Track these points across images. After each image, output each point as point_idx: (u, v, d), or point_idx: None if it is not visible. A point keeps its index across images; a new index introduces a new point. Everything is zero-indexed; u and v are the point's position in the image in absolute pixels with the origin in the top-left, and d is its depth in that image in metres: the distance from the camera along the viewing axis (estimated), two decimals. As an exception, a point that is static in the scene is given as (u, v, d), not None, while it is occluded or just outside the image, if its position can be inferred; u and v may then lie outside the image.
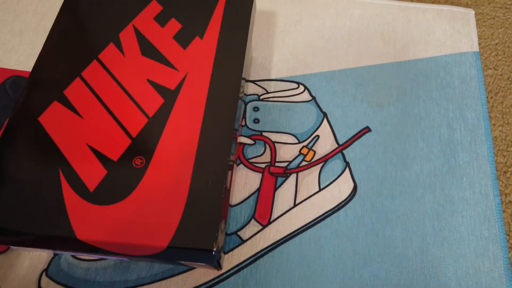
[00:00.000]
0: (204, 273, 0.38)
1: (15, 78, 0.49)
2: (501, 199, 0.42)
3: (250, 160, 0.44)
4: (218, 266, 0.37)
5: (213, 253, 0.30)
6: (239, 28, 0.40)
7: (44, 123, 0.34)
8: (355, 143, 0.45)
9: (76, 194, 0.31)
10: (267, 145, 0.45)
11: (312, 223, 0.41)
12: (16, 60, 0.50)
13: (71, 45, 0.38)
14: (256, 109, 0.47)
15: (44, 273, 0.38)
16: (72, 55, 0.37)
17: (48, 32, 0.52)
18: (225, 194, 0.32)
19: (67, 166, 0.32)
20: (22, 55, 0.51)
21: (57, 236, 0.30)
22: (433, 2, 0.57)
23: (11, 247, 0.38)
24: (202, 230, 0.30)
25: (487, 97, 0.49)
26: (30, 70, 0.50)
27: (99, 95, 0.35)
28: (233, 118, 0.35)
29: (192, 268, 0.38)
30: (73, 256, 0.39)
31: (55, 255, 0.39)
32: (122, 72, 0.37)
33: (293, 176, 0.43)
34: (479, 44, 0.53)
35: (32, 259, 0.38)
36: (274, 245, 0.40)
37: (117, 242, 0.30)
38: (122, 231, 0.30)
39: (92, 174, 0.32)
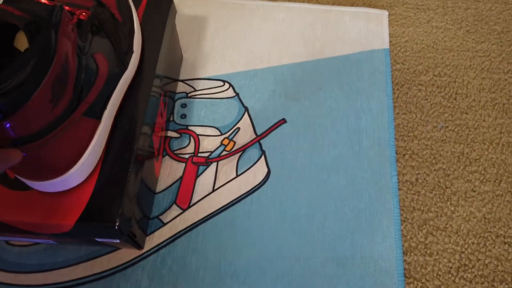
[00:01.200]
0: (126, 254, 0.42)
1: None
2: (398, 179, 0.47)
3: (176, 152, 0.48)
4: (138, 245, 0.41)
5: (116, 227, 0.34)
6: (156, 29, 0.44)
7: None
8: (272, 133, 0.50)
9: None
10: (191, 138, 0.50)
11: (228, 205, 0.45)
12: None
13: None
14: (184, 105, 0.52)
15: (-22, 259, 0.41)
16: None
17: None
18: (131, 181, 0.36)
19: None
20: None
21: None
22: (351, 5, 0.62)
23: None
24: (107, 209, 0.34)
25: (393, 89, 0.54)
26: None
27: None
28: (143, 112, 0.39)
29: (116, 249, 0.42)
30: (6, 242, 0.42)
31: (-11, 242, 0.42)
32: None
33: (214, 164, 0.48)
34: (390, 41, 0.58)
35: (-32, 247, 0.42)
36: (192, 226, 0.44)
37: (29, 221, 0.34)
38: (34, 212, 0.34)
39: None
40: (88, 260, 0.42)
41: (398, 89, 0.54)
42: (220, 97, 0.53)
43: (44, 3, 0.30)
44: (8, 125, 0.27)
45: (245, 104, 0.52)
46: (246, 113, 0.51)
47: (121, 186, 0.35)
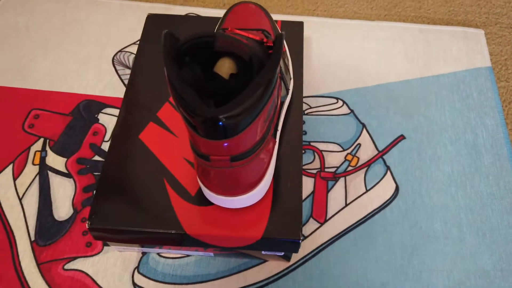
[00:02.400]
0: (275, 265, 0.44)
1: (86, 101, 0.55)
2: (523, 193, 0.49)
3: (303, 167, 0.50)
4: (287, 258, 0.43)
5: (299, 242, 0.36)
6: (296, 54, 0.47)
7: (144, 140, 0.40)
8: (393, 149, 0.52)
9: (181, 198, 0.37)
10: (315, 154, 0.52)
11: (363, 220, 0.47)
12: (85, 86, 0.56)
13: (157, 71, 0.44)
14: (303, 122, 0.54)
15: (136, 270, 0.43)
16: (159, 80, 0.44)
17: (110, 60, 0.58)
18: (301, 195, 0.38)
19: (170, 176, 0.38)
20: (89, 80, 0.57)
21: (169, 233, 0.35)
22: (446, 24, 0.64)
23: (107, 246, 0.43)
24: (289, 224, 0.36)
25: (502, 106, 0.56)
26: (100, 94, 0.56)
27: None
28: (300, 132, 0.41)
29: (263, 261, 0.44)
30: (158, 254, 0.44)
31: (143, 254, 0.44)
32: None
33: (342, 179, 0.50)
34: (491, 59, 0.60)
35: (124, 259, 0.44)
36: (332, 239, 0.46)
37: (221, 235, 0.35)
38: (225, 226, 0.36)
39: (192, 180, 0.38)
40: (239, 272, 0.43)
41: (506, 106, 0.56)
42: (336, 113, 0.55)
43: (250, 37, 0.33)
44: (232, 143, 0.29)
45: (362, 121, 0.54)
46: (364, 129, 0.53)
47: (297, 201, 0.37)
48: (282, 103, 0.39)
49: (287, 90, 0.41)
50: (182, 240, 0.36)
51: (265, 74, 0.29)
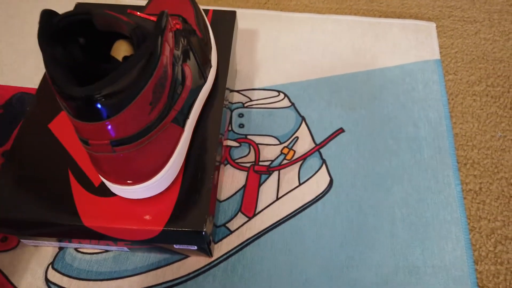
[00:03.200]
0: (196, 261, 0.42)
1: (20, 94, 0.54)
2: (462, 188, 0.47)
3: (237, 161, 0.49)
4: (209, 253, 0.41)
5: (203, 233, 0.34)
6: (224, 43, 0.46)
7: (53, 130, 0.38)
8: (331, 142, 0.50)
9: (83, 189, 0.35)
10: (251, 147, 0.50)
11: (293, 213, 0.45)
12: (22, 78, 0.55)
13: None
14: (241, 115, 0.52)
15: (50, 266, 0.41)
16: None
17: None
18: (213, 189, 0.37)
19: (75, 166, 0.36)
20: (26, 73, 0.56)
21: (66, 224, 0.34)
22: (399, 17, 0.63)
23: (22, 241, 0.42)
24: (193, 215, 0.34)
25: (448, 99, 0.54)
26: (35, 86, 0.54)
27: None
28: (219, 123, 0.40)
29: (185, 257, 0.42)
30: (76, 249, 0.42)
31: (60, 249, 0.42)
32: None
33: (276, 173, 0.48)
34: (440, 52, 0.59)
35: (39, 254, 0.42)
36: (259, 234, 0.44)
37: (119, 227, 0.34)
38: (123, 218, 0.34)
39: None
40: (158, 268, 0.42)
41: (453, 99, 0.54)
42: (277, 106, 0.53)
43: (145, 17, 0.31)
44: (109, 126, 0.28)
45: (302, 114, 0.53)
46: (303, 123, 0.52)
47: (205, 193, 0.36)
48: (194, 90, 0.38)
49: (205, 78, 0.40)
50: (81, 232, 0.34)
51: (143, 49, 0.28)
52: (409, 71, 0.56)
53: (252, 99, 0.54)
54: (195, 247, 0.38)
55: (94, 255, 0.42)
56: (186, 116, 0.37)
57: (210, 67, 0.42)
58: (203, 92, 0.40)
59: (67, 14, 0.27)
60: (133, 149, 0.30)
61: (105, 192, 0.35)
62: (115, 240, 0.35)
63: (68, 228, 0.34)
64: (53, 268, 0.41)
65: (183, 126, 0.36)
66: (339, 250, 0.43)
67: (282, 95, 0.54)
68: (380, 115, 0.52)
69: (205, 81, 0.40)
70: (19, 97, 0.53)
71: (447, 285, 0.41)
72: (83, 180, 0.36)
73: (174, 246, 0.38)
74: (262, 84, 0.55)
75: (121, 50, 0.33)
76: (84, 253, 0.42)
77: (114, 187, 0.33)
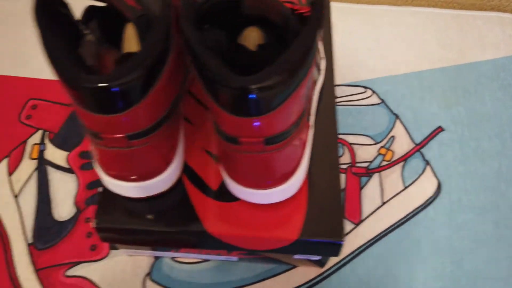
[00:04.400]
0: (305, 272, 0.38)
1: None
2: None
3: (332, 162, 0.45)
4: (321, 263, 0.38)
5: (342, 243, 0.30)
6: (326, 34, 0.42)
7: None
8: (431, 142, 0.47)
9: (201, 193, 0.32)
10: (345, 147, 0.46)
11: (403, 220, 0.42)
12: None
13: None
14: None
15: (148, 277, 0.38)
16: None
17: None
18: (340, 191, 0.33)
19: (188, 168, 0.33)
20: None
21: (189, 231, 0.30)
22: (479, 10, 0.59)
23: (115, 250, 0.38)
24: (328, 223, 0.31)
25: (548, 95, 0.51)
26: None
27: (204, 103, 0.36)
28: (335, 121, 0.36)
29: (293, 267, 0.39)
30: (173, 259, 0.39)
31: (156, 258, 0.39)
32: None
33: (376, 175, 0.44)
34: (531, 46, 0.55)
35: (134, 264, 0.38)
36: (370, 242, 0.40)
37: (247, 235, 0.30)
38: (253, 226, 0.30)
39: (213, 173, 0.32)
40: (266, 279, 0.38)
41: (552, 96, 0.51)
42: (365, 103, 0.50)
43: None
44: (259, 123, 0.24)
45: (394, 111, 0.49)
46: (397, 121, 0.48)
47: (337, 200, 0.32)
48: (314, 83, 0.34)
49: (319, 70, 0.36)
50: (202, 240, 0.31)
51: (303, 40, 0.24)
52: (502, 65, 0.53)
53: (338, 96, 0.50)
54: (318, 257, 0.34)
55: (194, 264, 0.39)
56: (309, 111, 0.33)
57: (321, 58, 0.38)
58: (318, 85, 0.36)
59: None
60: (282, 147, 0.26)
61: (225, 197, 0.32)
62: (238, 250, 0.31)
63: (189, 236, 0.31)
64: (151, 279, 0.38)
65: (309, 121, 0.32)
66: (463, 258, 0.39)
67: (369, 91, 0.51)
68: (479, 113, 0.49)
69: (319, 73, 0.37)
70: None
71: None
72: (199, 183, 0.32)
73: (294, 256, 0.34)
74: (345, 80, 0.52)
75: (253, 38, 0.29)
76: (182, 263, 0.39)
77: (244, 191, 0.29)
